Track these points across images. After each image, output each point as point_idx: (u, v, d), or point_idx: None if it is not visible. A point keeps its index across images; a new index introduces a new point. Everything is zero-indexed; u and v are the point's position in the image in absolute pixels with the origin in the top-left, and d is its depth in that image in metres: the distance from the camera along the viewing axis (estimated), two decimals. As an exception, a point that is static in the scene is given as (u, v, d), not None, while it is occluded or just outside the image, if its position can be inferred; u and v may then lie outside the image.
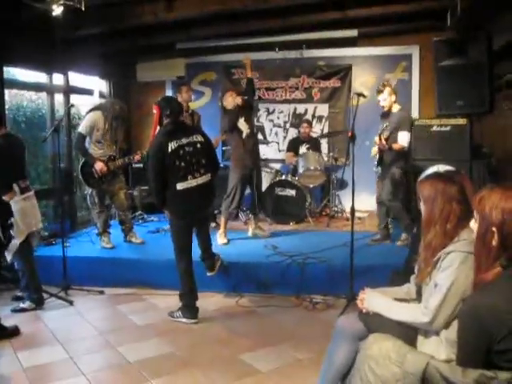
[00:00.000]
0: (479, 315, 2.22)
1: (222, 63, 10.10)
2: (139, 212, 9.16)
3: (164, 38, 8.82)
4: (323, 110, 9.83)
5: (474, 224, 2.52)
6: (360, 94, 5.67)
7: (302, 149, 9.11)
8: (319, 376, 3.26)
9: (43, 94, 8.29)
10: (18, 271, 5.72)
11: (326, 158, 8.91)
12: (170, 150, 5.10)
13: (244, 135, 7.23)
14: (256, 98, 8.83)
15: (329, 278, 5.97)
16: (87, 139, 6.87)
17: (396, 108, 6.70)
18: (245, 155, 7.19)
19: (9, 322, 5.14)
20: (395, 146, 6.54)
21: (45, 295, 5.85)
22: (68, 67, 8.40)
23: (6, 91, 7.18)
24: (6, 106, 7.05)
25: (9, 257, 5.52)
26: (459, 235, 2.76)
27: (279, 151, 10.00)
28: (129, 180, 8.73)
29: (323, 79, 9.77)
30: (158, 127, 5.41)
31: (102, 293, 6.25)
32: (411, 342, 2.80)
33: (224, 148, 9.08)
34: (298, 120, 9.83)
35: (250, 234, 7.66)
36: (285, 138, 10.00)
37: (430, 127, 7.42)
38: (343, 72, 9.66)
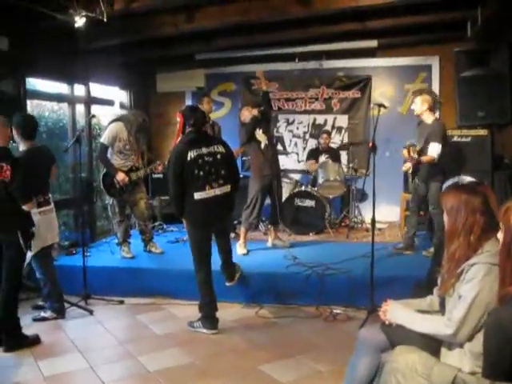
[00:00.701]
0: (505, 328, 2.20)
1: (241, 74, 10.13)
2: (159, 222, 9.18)
3: (184, 48, 8.87)
4: (343, 120, 9.82)
5: (500, 235, 2.50)
6: (381, 105, 5.65)
7: (322, 159, 9.07)
8: (342, 388, 3.24)
9: (64, 105, 8.35)
10: (40, 280, 5.75)
11: (345, 169, 8.88)
12: (189, 158, 5.11)
13: (262, 146, 7.24)
14: (275, 108, 8.83)
15: (349, 289, 5.94)
16: (109, 150, 6.92)
17: (430, 119, 6.62)
18: (264, 165, 7.19)
19: (30, 330, 5.17)
20: (424, 159, 6.49)
21: (65, 304, 5.87)
22: (89, 78, 8.48)
23: (28, 102, 7.25)
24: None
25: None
26: (483, 247, 2.73)
27: (298, 162, 9.99)
28: (148, 190, 8.76)
29: (343, 90, 9.77)
30: (181, 135, 5.43)
31: (121, 302, 6.26)
32: (434, 354, 2.78)
33: (244, 158, 9.08)
34: (317, 131, 9.82)
35: (269, 244, 7.65)
36: (304, 148, 9.99)
37: (450, 138, 7.35)
38: (363, 83, 9.65)
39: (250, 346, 4.99)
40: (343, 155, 9.56)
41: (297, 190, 8.59)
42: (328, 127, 9.81)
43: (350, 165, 9.04)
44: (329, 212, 8.49)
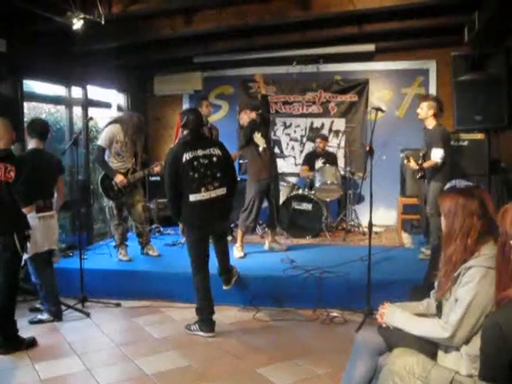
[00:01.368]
0: (502, 332, 2.20)
1: (239, 77, 10.13)
2: (156, 225, 9.19)
3: (182, 51, 8.89)
4: (340, 124, 9.83)
5: None
6: (378, 109, 5.68)
7: (318, 163, 9.10)
8: (339, 391, 3.24)
9: (62, 107, 8.37)
10: (36, 284, 5.75)
11: (342, 172, 8.89)
12: (184, 160, 5.13)
13: (260, 149, 7.25)
14: (272, 112, 8.85)
15: (346, 292, 5.95)
16: (106, 152, 6.92)
17: (431, 124, 6.62)
18: (261, 169, 7.20)
19: (26, 333, 5.16)
20: (426, 164, 6.51)
21: (62, 308, 5.87)
22: (86, 80, 8.48)
23: (25, 104, 7.25)
24: (25, 119, 7.10)
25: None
26: (480, 250, 2.74)
27: (295, 165, 10.01)
28: (146, 193, 8.76)
29: (340, 93, 9.79)
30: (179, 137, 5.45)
31: (118, 305, 6.26)
32: (431, 357, 2.79)
33: (241, 161, 9.09)
34: (314, 134, 9.83)
35: (266, 247, 7.66)
36: (301, 151, 10.01)
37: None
38: (360, 86, 9.67)
39: (248, 349, 5.00)
40: (340, 158, 9.56)
41: (294, 193, 8.59)
42: (325, 131, 9.84)
43: (347, 168, 9.05)
44: (326, 215, 8.50)
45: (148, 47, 8.47)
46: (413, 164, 6.58)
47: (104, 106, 9.35)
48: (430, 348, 2.85)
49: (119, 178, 6.86)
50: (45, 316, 5.72)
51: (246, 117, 7.31)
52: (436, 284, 3.02)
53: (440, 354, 2.84)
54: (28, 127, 5.77)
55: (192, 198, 5.15)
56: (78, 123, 8.56)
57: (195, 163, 5.16)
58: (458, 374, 2.55)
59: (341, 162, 9.52)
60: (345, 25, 7.84)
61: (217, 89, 10.35)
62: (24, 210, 5.08)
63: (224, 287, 5.77)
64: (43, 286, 5.68)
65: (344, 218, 9.06)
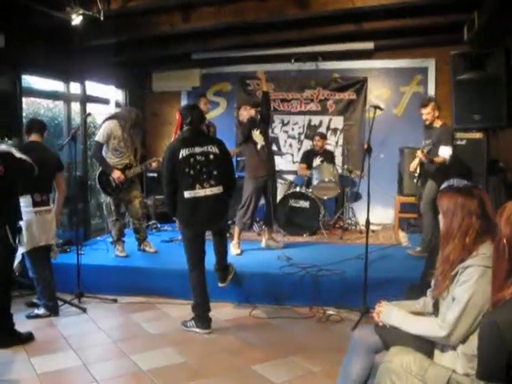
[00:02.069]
0: (500, 331, 2.20)
1: (237, 74, 10.13)
2: (153, 221, 9.19)
3: (180, 48, 8.88)
4: (338, 122, 9.83)
5: None
6: (377, 107, 5.67)
7: (316, 161, 9.09)
8: (335, 388, 3.25)
9: (60, 103, 8.36)
10: (33, 279, 5.74)
11: (340, 170, 8.89)
12: (180, 156, 5.12)
13: (259, 147, 7.24)
14: (271, 110, 8.85)
15: (342, 290, 5.95)
16: (104, 148, 6.92)
17: (438, 123, 6.70)
18: (259, 166, 7.20)
19: (23, 327, 5.16)
20: (437, 160, 6.52)
21: (59, 303, 5.87)
22: (85, 76, 8.47)
23: (24, 99, 7.24)
24: (24, 114, 7.10)
25: (14, 264, 5.51)
26: (478, 249, 2.73)
27: (293, 163, 10.01)
28: (143, 189, 8.74)
29: (338, 91, 9.78)
30: (178, 133, 5.45)
31: (115, 301, 6.26)
32: (428, 356, 2.79)
33: (239, 158, 9.07)
34: (312, 132, 9.83)
35: (263, 245, 7.65)
36: (299, 149, 10.01)
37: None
38: (359, 84, 9.67)
39: (243, 346, 5.00)
40: (338, 156, 9.57)
41: (291, 190, 8.58)
42: (323, 128, 9.83)
43: (345, 166, 9.05)
44: (323, 213, 8.51)
45: (146, 43, 8.48)
46: (426, 156, 6.56)
47: (102, 102, 9.34)
48: (426, 347, 2.85)
49: (116, 174, 6.85)
50: (41, 311, 5.72)
51: (246, 113, 7.27)
52: (433, 283, 3.03)
53: (436, 352, 2.84)
54: (27, 125, 5.81)
55: (187, 194, 5.14)
56: (76, 119, 8.55)
57: (191, 160, 5.15)
58: (454, 372, 2.55)
59: (338, 160, 9.54)
60: (343, 22, 7.84)
61: (215, 86, 10.33)
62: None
63: (219, 284, 5.75)
64: (40, 280, 5.68)
65: (341, 216, 9.07)
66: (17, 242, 5.05)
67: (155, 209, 9.32)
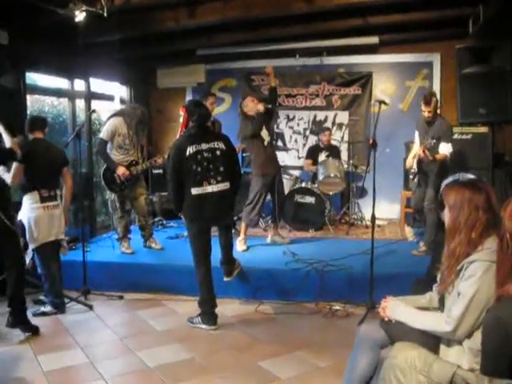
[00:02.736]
0: (504, 325, 2.19)
1: (242, 70, 10.12)
2: (158, 218, 9.19)
3: (185, 44, 8.86)
4: (343, 117, 9.81)
5: None
6: (382, 102, 5.64)
7: (322, 156, 9.07)
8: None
9: (65, 100, 8.36)
10: (41, 276, 5.76)
11: (345, 166, 8.87)
12: (187, 153, 5.11)
13: (266, 143, 7.20)
14: (277, 105, 8.83)
15: (348, 285, 5.95)
16: (109, 145, 6.92)
17: (437, 119, 6.62)
18: (267, 163, 7.15)
19: (29, 325, 5.20)
20: (438, 157, 6.47)
21: (65, 300, 5.89)
22: (89, 73, 8.48)
23: (28, 96, 7.25)
24: (28, 111, 7.10)
25: (27, 260, 5.57)
26: (483, 244, 2.72)
27: (298, 158, 10.00)
28: (148, 186, 8.75)
29: (343, 86, 9.76)
30: (184, 130, 5.43)
31: (121, 298, 6.27)
32: (433, 351, 2.78)
33: (244, 154, 9.06)
34: (317, 127, 9.82)
35: (268, 240, 7.64)
36: (304, 145, 9.99)
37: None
38: (364, 79, 9.64)
39: (250, 342, 5.00)
40: (344, 151, 9.55)
41: (297, 186, 8.57)
42: (328, 124, 9.82)
43: (350, 161, 9.03)
44: (329, 209, 8.48)
45: (151, 40, 8.45)
46: (427, 155, 6.53)
47: (107, 99, 9.35)
48: (432, 342, 2.84)
49: (121, 170, 6.85)
50: (48, 308, 5.74)
51: (252, 105, 7.10)
52: (438, 277, 3.01)
53: (442, 347, 2.83)
54: (29, 123, 5.81)
55: (194, 191, 5.14)
56: (81, 116, 8.56)
57: (199, 157, 5.14)
58: (459, 368, 2.54)
59: (344, 155, 9.51)
60: (348, 17, 7.80)
61: (220, 81, 10.33)
62: None
63: (225, 278, 5.74)
64: (48, 277, 5.70)
65: (347, 211, 9.04)
66: (27, 238, 5.14)
67: (161, 205, 9.32)
